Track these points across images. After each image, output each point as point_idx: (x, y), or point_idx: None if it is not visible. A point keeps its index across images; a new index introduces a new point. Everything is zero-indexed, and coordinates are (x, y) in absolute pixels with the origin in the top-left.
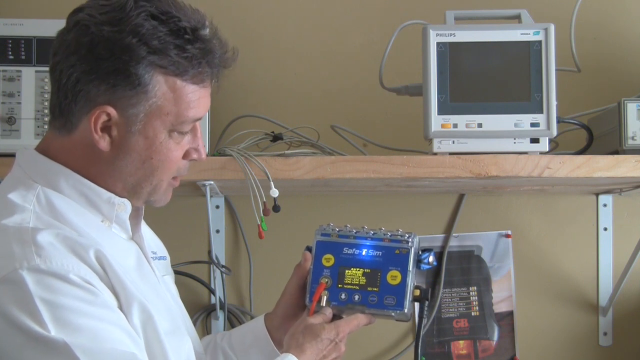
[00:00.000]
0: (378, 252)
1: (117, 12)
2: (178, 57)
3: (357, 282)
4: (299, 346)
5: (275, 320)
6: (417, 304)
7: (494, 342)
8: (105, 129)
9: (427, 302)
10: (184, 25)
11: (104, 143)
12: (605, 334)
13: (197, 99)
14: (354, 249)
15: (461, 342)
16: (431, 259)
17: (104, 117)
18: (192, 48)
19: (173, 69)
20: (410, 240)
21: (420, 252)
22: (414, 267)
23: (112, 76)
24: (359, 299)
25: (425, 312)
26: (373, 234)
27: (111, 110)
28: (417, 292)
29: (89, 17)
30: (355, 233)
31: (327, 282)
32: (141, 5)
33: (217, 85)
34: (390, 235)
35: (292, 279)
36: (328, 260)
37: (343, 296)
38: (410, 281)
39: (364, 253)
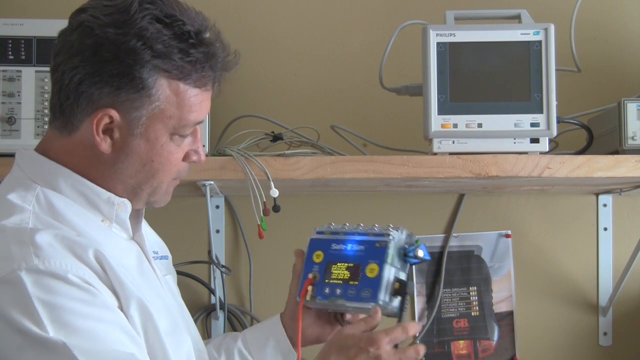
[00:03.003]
0: (361, 247)
1: (122, 14)
2: (182, 61)
3: (342, 277)
4: (323, 354)
5: (285, 320)
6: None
7: (494, 342)
8: (107, 131)
9: (407, 296)
10: (188, 29)
11: (105, 145)
12: (605, 334)
13: (199, 102)
14: (340, 245)
15: (461, 342)
16: (420, 253)
17: (106, 120)
18: (196, 52)
19: (177, 72)
20: (391, 233)
21: (406, 246)
22: (397, 260)
23: (116, 79)
24: (340, 292)
25: (405, 306)
26: (361, 230)
27: (114, 113)
28: (397, 285)
29: (92, 19)
30: (347, 229)
31: (314, 277)
32: (146, 8)
33: (219, 88)
34: (377, 230)
35: (292, 279)
36: (318, 256)
37: (327, 290)
38: (388, 273)
39: (348, 248)
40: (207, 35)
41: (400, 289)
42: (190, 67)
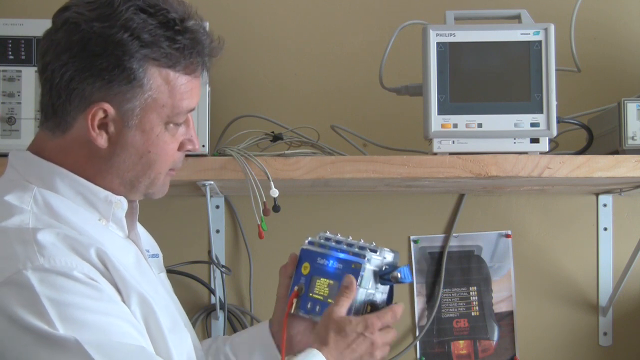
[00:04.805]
0: (340, 265)
1: (106, 7)
2: (170, 49)
3: (322, 293)
4: (321, 338)
5: (274, 326)
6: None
7: (494, 342)
8: (102, 125)
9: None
10: (172, 17)
11: (101, 140)
12: (605, 334)
13: (189, 89)
14: (324, 260)
15: (461, 342)
16: (397, 276)
17: (100, 114)
18: (183, 39)
19: (165, 60)
20: (367, 255)
21: (385, 268)
22: (371, 282)
23: (107, 72)
24: (319, 309)
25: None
26: (346, 246)
27: (107, 107)
28: (369, 309)
29: (77, 15)
30: (335, 244)
31: (300, 289)
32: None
33: (207, 75)
34: (358, 248)
35: (280, 283)
36: (305, 268)
37: (309, 305)
38: (359, 297)
39: (330, 264)
40: (191, 22)
41: (370, 311)
42: (178, 54)
